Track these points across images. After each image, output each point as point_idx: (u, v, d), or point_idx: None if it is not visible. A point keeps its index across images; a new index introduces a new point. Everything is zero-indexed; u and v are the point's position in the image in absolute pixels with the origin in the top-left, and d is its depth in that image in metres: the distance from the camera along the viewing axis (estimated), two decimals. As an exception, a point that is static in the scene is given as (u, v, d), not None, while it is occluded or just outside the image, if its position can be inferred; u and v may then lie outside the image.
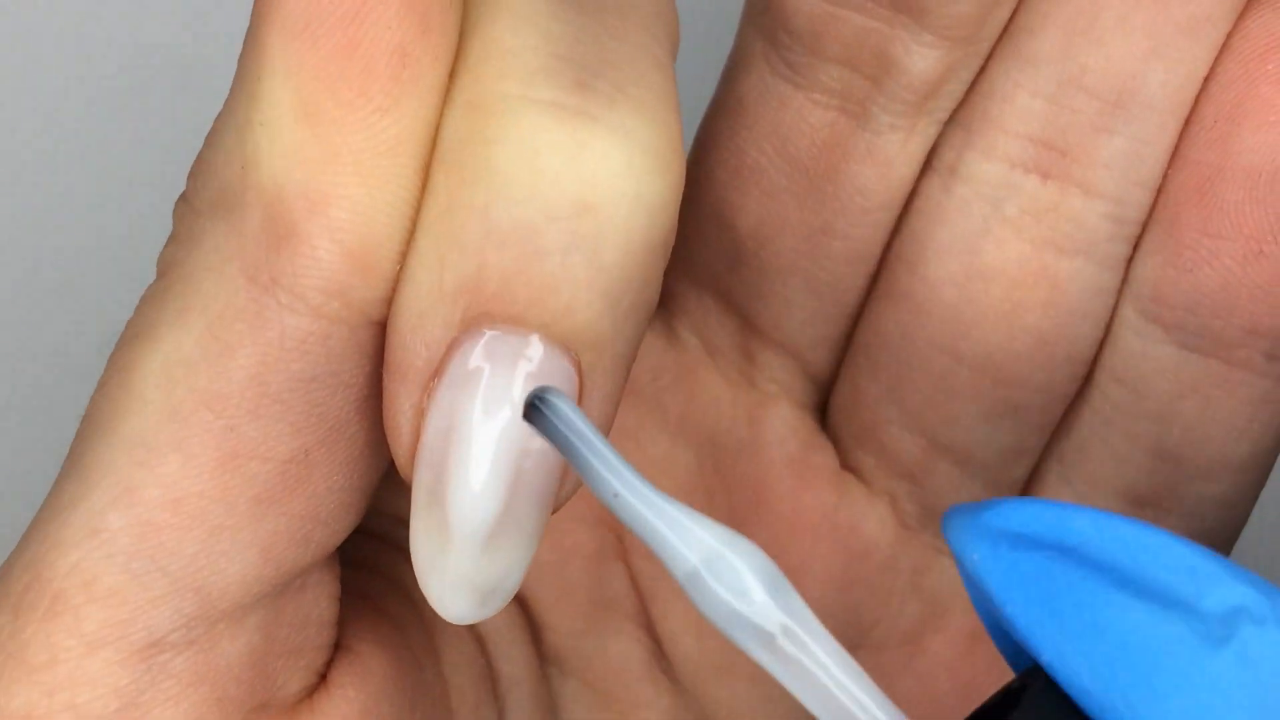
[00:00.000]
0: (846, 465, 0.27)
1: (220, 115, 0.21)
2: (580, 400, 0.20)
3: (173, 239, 0.22)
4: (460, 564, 0.21)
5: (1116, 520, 0.18)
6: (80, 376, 0.24)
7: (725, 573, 0.19)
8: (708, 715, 0.27)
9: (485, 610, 0.21)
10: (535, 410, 0.20)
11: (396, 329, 0.20)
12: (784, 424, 0.27)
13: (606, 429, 0.21)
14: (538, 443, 0.20)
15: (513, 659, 0.26)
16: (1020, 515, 0.19)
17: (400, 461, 0.21)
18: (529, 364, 0.20)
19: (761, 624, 0.19)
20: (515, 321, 0.20)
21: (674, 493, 0.27)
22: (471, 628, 0.26)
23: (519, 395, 0.20)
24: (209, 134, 0.22)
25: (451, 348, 0.20)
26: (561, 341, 0.20)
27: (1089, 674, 0.18)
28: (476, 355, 0.20)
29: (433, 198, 0.20)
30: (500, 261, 0.20)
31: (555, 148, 0.20)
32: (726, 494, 0.27)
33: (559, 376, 0.20)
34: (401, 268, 0.20)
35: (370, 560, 0.25)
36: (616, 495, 0.19)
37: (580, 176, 0.20)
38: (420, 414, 0.20)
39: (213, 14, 0.35)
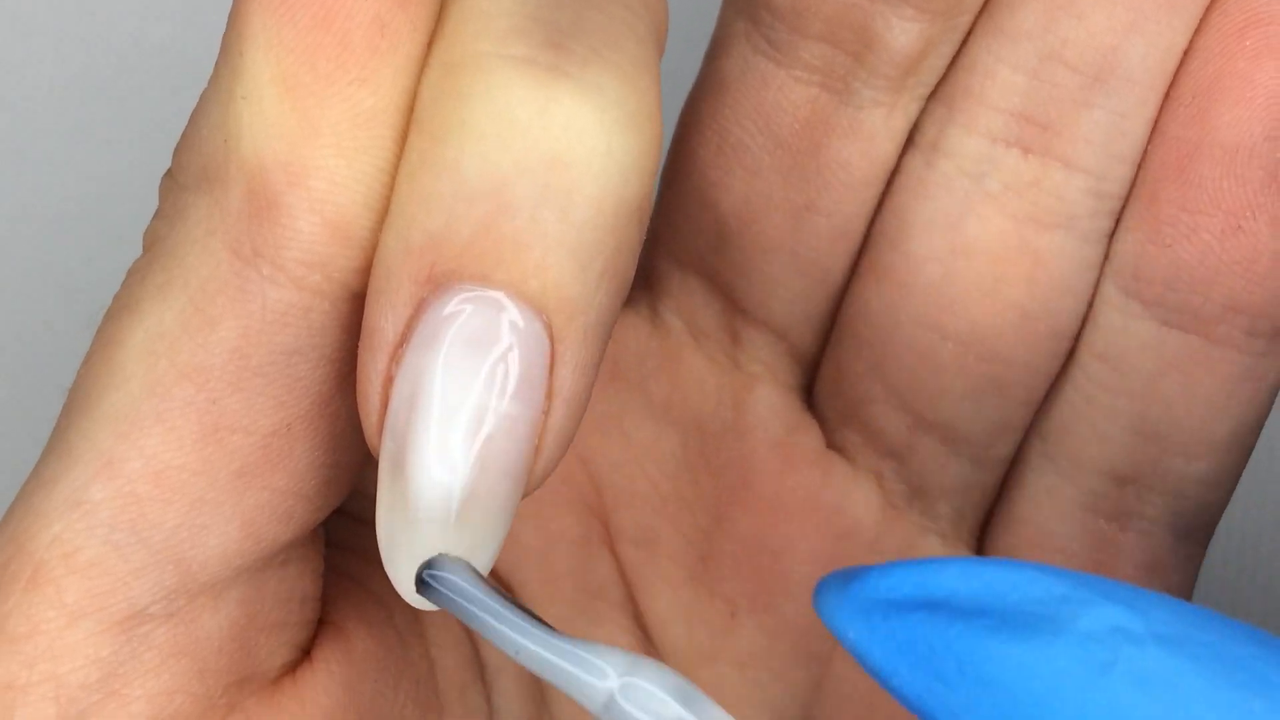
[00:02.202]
0: (832, 444, 0.27)
1: (205, 92, 0.21)
2: (552, 369, 0.20)
3: (158, 214, 0.22)
4: (424, 540, 0.20)
5: (981, 564, 0.18)
6: (67, 355, 0.24)
7: (638, 695, 0.19)
8: (695, 703, 0.27)
9: None
10: (424, 584, 0.20)
11: (368, 295, 0.20)
12: (768, 405, 0.27)
13: (583, 404, 0.21)
14: (507, 408, 0.20)
15: None
16: (888, 580, 0.18)
17: (368, 434, 0.21)
18: (500, 322, 0.20)
19: None
20: (484, 280, 0.20)
21: (661, 477, 0.27)
22: None
23: (493, 355, 0.20)
24: (194, 111, 0.22)
25: (419, 309, 0.20)
26: (531, 302, 0.20)
27: None
28: (443, 315, 0.20)
29: (406, 160, 0.20)
30: (469, 216, 0.20)
31: (526, 101, 0.20)
32: (712, 477, 0.27)
33: (529, 338, 0.20)
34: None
35: (355, 542, 0.25)
36: (518, 651, 0.19)
37: (551, 130, 0.20)
38: (389, 382, 0.20)
39: (200, 9, 0.35)
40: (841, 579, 0.18)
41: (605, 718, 0.19)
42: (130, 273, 0.22)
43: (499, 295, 0.20)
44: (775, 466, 0.27)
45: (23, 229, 0.35)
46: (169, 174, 0.22)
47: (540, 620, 0.20)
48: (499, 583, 0.26)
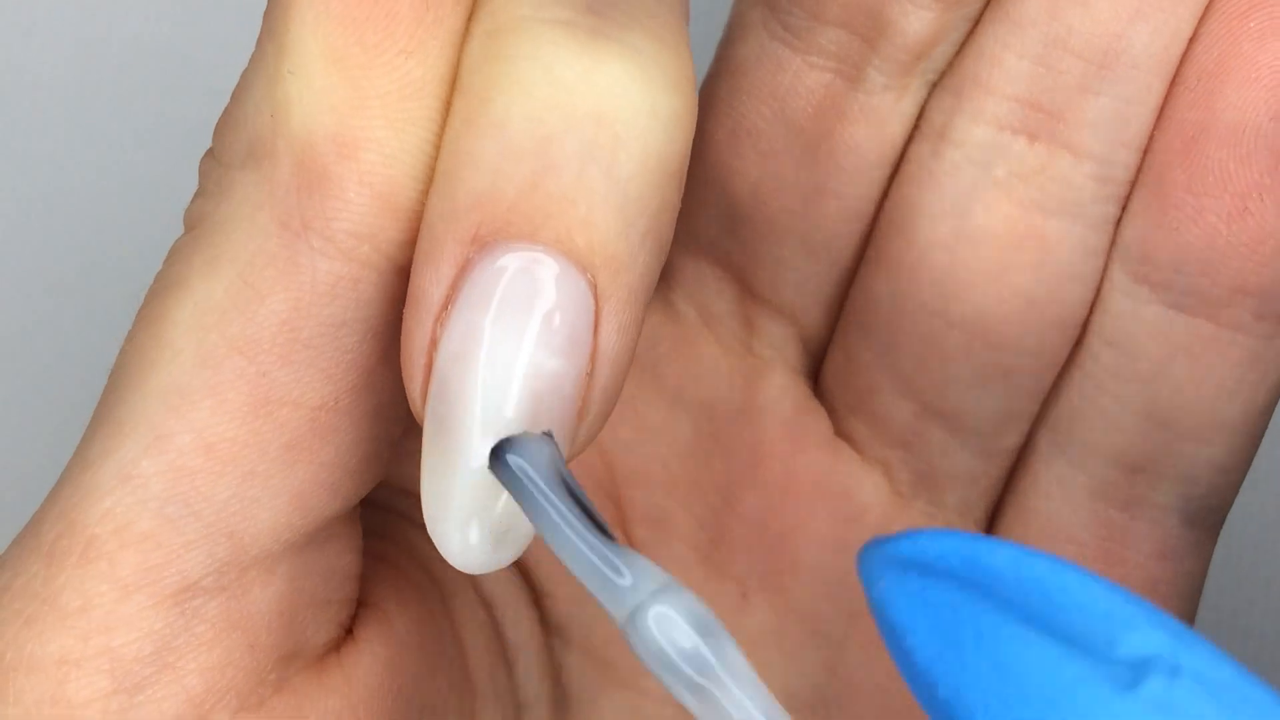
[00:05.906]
0: (840, 433, 0.27)
1: (246, 71, 0.22)
2: (597, 329, 0.20)
3: (201, 193, 0.22)
4: (472, 498, 0.20)
5: (1035, 557, 0.17)
6: (80, 370, 0.24)
7: (658, 619, 0.19)
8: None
9: (498, 556, 0.21)
10: (497, 458, 0.20)
11: (415, 260, 0.20)
12: (779, 389, 0.27)
13: (626, 366, 0.21)
14: (553, 364, 0.20)
15: (519, 625, 0.26)
16: (936, 546, 0.18)
17: (412, 398, 0.21)
18: (546, 280, 0.20)
19: (688, 669, 0.19)
20: (530, 238, 0.20)
21: (672, 460, 0.27)
22: (480, 592, 0.26)
23: (538, 313, 0.20)
24: (235, 90, 0.22)
25: (464, 269, 0.20)
26: (578, 259, 0.20)
27: (983, 711, 0.17)
28: (488, 274, 0.20)
29: (450, 124, 0.21)
30: (516, 174, 0.20)
31: (571, 60, 0.20)
32: (724, 458, 0.27)
33: (575, 296, 0.20)
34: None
35: (384, 529, 0.25)
36: (560, 548, 0.19)
37: (596, 87, 0.20)
38: (434, 345, 0.20)
39: (209, 11, 0.35)
40: (891, 536, 0.18)
41: (626, 632, 0.19)
42: (174, 251, 0.22)
43: (544, 252, 0.20)
44: (785, 449, 0.27)
45: (22, 228, 0.36)
46: (211, 153, 0.22)
47: (595, 521, 0.19)
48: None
